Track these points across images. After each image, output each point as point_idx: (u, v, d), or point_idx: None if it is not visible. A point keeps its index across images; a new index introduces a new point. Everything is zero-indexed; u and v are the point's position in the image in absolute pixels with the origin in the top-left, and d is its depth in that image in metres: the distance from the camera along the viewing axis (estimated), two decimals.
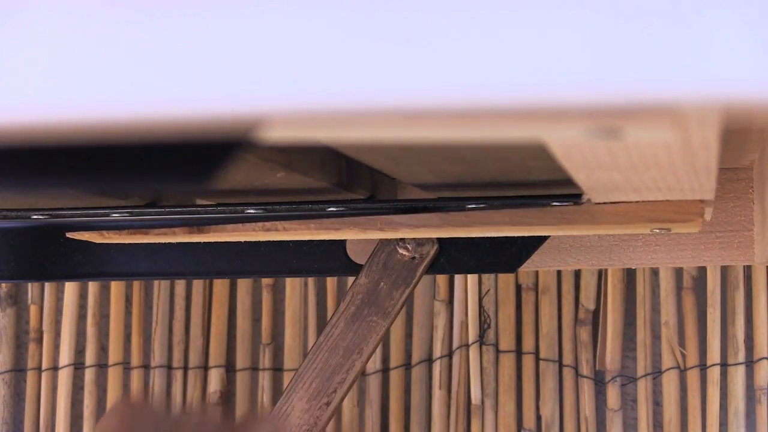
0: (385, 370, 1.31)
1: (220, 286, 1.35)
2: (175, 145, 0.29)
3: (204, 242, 0.73)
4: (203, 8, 0.25)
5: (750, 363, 1.21)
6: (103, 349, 1.39)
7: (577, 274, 1.26)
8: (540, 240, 0.68)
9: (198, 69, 0.24)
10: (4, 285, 1.36)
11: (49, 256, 0.85)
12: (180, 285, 1.36)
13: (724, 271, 1.21)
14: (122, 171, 0.30)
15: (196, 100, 0.24)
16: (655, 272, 1.24)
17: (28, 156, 0.32)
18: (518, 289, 1.28)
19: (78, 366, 1.39)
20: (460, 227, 0.56)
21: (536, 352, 1.26)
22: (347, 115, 0.24)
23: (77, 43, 0.25)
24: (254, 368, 1.35)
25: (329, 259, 0.71)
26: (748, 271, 1.21)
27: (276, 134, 0.28)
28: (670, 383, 1.23)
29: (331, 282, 1.32)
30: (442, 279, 1.29)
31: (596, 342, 1.26)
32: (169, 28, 0.25)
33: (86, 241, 0.76)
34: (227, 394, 1.35)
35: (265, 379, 1.33)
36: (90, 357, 1.38)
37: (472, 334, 1.27)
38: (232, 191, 0.62)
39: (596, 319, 1.26)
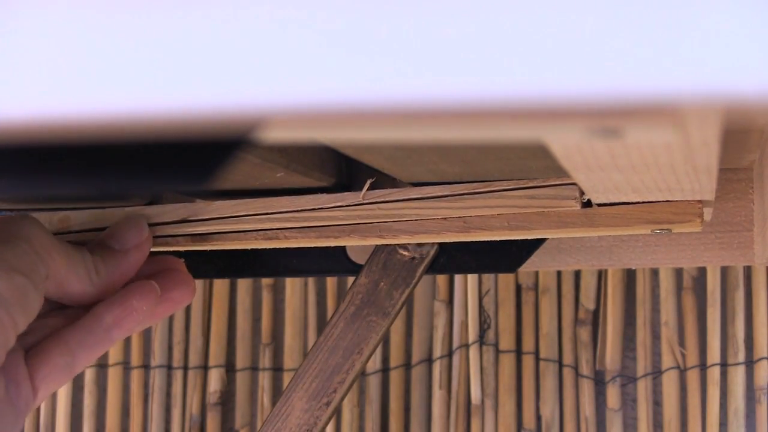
0: (385, 370, 1.31)
1: (220, 286, 1.35)
2: (175, 145, 0.29)
3: None
4: (203, 6, 0.25)
5: (750, 363, 1.21)
6: None
7: (577, 274, 1.26)
8: (540, 241, 0.68)
9: (198, 67, 0.24)
10: None
11: None
12: None
13: (724, 271, 1.21)
14: (122, 171, 0.30)
15: (197, 99, 0.24)
16: (655, 272, 1.24)
17: (27, 155, 0.32)
18: (518, 289, 1.28)
19: None
20: (459, 232, 0.56)
21: (536, 352, 1.26)
22: (348, 114, 0.24)
23: (77, 40, 0.25)
24: (254, 368, 1.35)
25: (329, 260, 0.71)
26: (748, 271, 1.21)
27: (278, 134, 0.28)
28: (670, 383, 1.23)
29: (331, 282, 1.32)
30: (442, 279, 1.29)
31: (596, 342, 1.26)
32: (169, 26, 0.25)
33: None
34: (227, 394, 1.35)
35: (265, 379, 1.33)
36: None
37: (472, 334, 1.27)
38: (230, 191, 0.62)
39: (596, 319, 1.26)
